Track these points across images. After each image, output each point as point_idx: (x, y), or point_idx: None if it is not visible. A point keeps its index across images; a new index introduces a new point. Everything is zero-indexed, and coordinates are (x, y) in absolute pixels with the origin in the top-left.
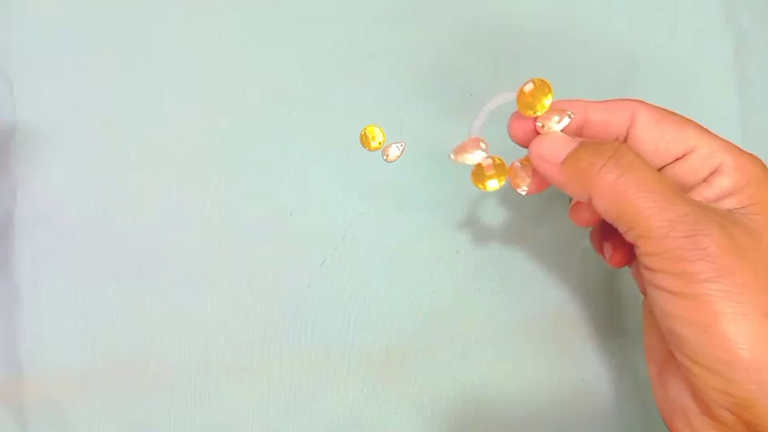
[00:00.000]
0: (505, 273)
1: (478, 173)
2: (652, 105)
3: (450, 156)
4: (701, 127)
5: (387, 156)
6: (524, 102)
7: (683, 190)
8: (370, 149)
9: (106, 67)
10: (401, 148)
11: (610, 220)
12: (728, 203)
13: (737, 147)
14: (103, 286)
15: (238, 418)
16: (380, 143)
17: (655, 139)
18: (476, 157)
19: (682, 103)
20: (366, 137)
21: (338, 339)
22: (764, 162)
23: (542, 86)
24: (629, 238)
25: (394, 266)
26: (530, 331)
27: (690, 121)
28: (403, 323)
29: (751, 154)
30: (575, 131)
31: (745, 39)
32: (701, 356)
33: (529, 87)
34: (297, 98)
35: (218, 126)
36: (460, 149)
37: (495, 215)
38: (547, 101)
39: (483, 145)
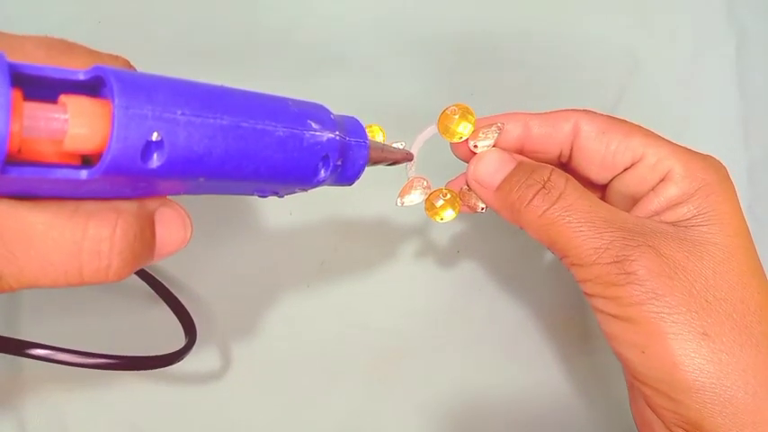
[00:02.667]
0: (505, 273)
1: (430, 207)
2: (596, 114)
3: (397, 202)
4: (650, 133)
5: None
6: (446, 131)
7: (633, 201)
8: None
9: None
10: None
11: (546, 247)
12: (677, 214)
13: (690, 151)
14: (103, 285)
15: (238, 418)
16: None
17: (600, 149)
18: (418, 196)
19: (682, 103)
20: None
21: (338, 339)
22: (723, 166)
23: (459, 111)
24: (564, 264)
25: (394, 266)
26: (529, 331)
27: (637, 127)
28: (403, 323)
29: (706, 157)
30: (515, 147)
31: (746, 39)
32: (644, 377)
33: (445, 116)
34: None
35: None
36: (404, 193)
37: (495, 215)
38: (468, 124)
39: (425, 182)
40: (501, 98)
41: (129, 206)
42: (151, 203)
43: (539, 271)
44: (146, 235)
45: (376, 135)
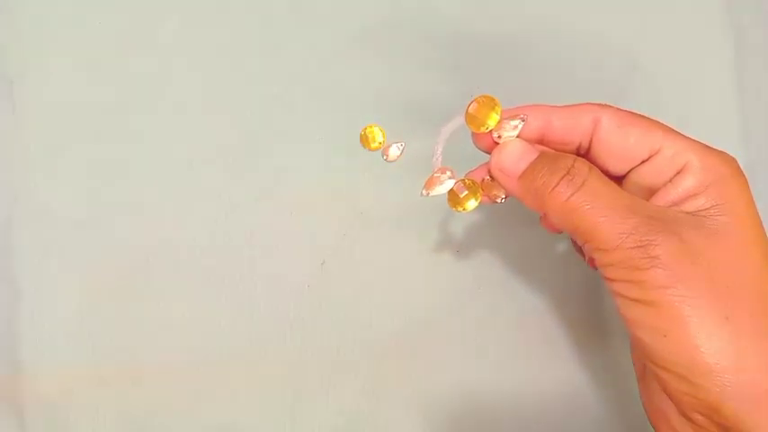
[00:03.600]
0: (505, 273)
1: (453, 198)
2: (616, 108)
3: (422, 192)
4: (667, 127)
5: (387, 156)
6: (473, 121)
7: (650, 193)
8: (370, 150)
9: (105, 66)
10: (401, 149)
11: (569, 234)
12: (694, 204)
13: (705, 146)
14: (103, 286)
15: (238, 418)
16: (381, 143)
17: (619, 142)
18: (447, 186)
19: (682, 103)
20: (366, 137)
21: (338, 340)
22: (736, 160)
23: (487, 102)
24: (586, 251)
25: (394, 266)
26: (529, 332)
27: (655, 122)
28: (403, 323)
29: (721, 152)
30: (536, 138)
31: (745, 39)
32: (664, 361)
33: (473, 107)
34: (299, 100)
35: (218, 126)
36: (430, 183)
37: (495, 215)
38: (495, 115)
39: (449, 173)
40: (500, 98)
41: None
42: None
43: (539, 271)
44: None
45: (376, 136)
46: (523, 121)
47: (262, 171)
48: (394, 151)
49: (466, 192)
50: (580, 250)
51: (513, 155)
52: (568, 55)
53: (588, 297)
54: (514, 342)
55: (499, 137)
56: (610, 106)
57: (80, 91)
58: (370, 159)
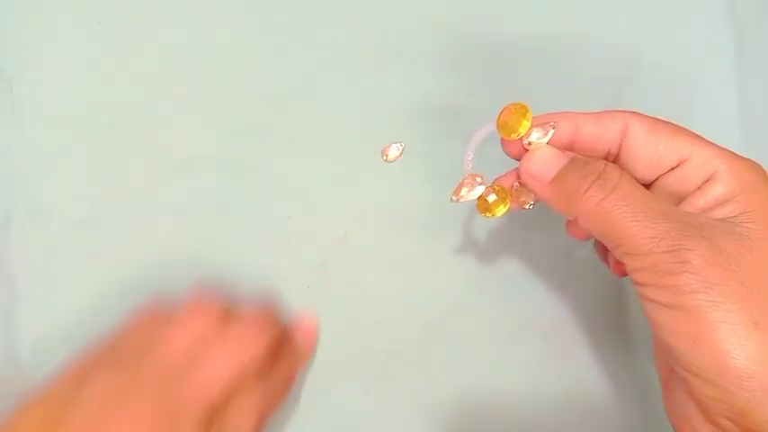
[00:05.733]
0: (505, 274)
1: (483, 204)
2: (644, 116)
3: (452, 198)
4: (695, 135)
5: (386, 156)
6: (505, 128)
7: (678, 199)
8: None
9: (105, 66)
10: (401, 149)
11: (598, 238)
12: (723, 211)
13: (733, 153)
14: (103, 286)
15: None
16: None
17: (648, 150)
18: (477, 192)
19: (682, 103)
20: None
21: (338, 340)
22: (763, 167)
23: (519, 109)
24: (617, 255)
25: (394, 268)
26: (529, 332)
27: (683, 129)
28: (403, 324)
29: (748, 160)
30: (566, 145)
31: (745, 39)
32: (693, 366)
33: (505, 114)
34: (298, 100)
35: (218, 126)
36: (461, 189)
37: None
38: (526, 122)
39: (479, 179)
40: (501, 99)
41: None
42: None
43: (539, 272)
44: None
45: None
46: (554, 128)
47: (261, 171)
48: (393, 151)
49: (495, 198)
50: (604, 257)
51: (545, 161)
52: (568, 55)
53: (592, 298)
54: (515, 343)
55: (529, 143)
56: (639, 114)
57: (79, 90)
58: (369, 159)
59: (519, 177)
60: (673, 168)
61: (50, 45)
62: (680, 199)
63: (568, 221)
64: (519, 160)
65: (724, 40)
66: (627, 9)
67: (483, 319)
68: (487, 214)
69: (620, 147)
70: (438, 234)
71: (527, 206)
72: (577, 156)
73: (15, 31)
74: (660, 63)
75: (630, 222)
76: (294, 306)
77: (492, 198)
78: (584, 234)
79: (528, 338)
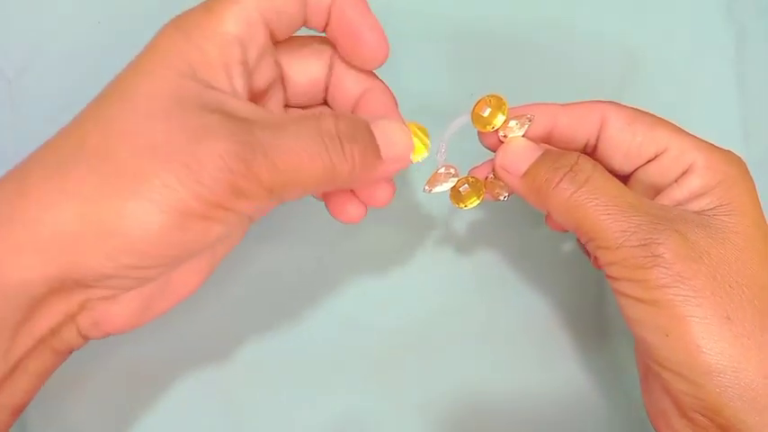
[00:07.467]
0: (505, 273)
1: (456, 195)
2: (623, 106)
3: (425, 188)
4: (674, 126)
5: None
6: (479, 120)
7: (655, 192)
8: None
9: (105, 66)
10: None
11: (572, 231)
12: (699, 204)
13: (711, 145)
14: None
15: (238, 418)
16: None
17: (626, 141)
18: (449, 183)
19: (682, 102)
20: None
21: (337, 340)
22: (742, 160)
23: (494, 102)
24: (589, 249)
25: (393, 267)
26: (529, 332)
27: (662, 120)
28: (403, 323)
29: (727, 152)
30: (543, 137)
31: (745, 38)
32: (666, 361)
33: (480, 106)
34: None
35: None
36: (433, 181)
37: (495, 216)
38: (501, 115)
39: (453, 170)
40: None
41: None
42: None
43: (541, 270)
44: (364, 134)
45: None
46: (530, 120)
47: None
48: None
49: (468, 189)
50: (586, 249)
51: (518, 153)
52: (567, 54)
53: (591, 297)
54: (515, 342)
55: (505, 136)
56: (617, 104)
57: (78, 90)
58: None
59: (493, 170)
60: (650, 160)
61: (50, 45)
62: (658, 191)
63: (546, 214)
64: (494, 151)
65: (723, 39)
66: (627, 9)
67: (483, 318)
68: (460, 205)
69: (598, 138)
70: (438, 232)
71: (502, 198)
72: (550, 148)
73: (15, 31)
74: (659, 63)
75: (602, 215)
76: (291, 303)
77: (464, 189)
78: (560, 226)
79: (529, 338)
